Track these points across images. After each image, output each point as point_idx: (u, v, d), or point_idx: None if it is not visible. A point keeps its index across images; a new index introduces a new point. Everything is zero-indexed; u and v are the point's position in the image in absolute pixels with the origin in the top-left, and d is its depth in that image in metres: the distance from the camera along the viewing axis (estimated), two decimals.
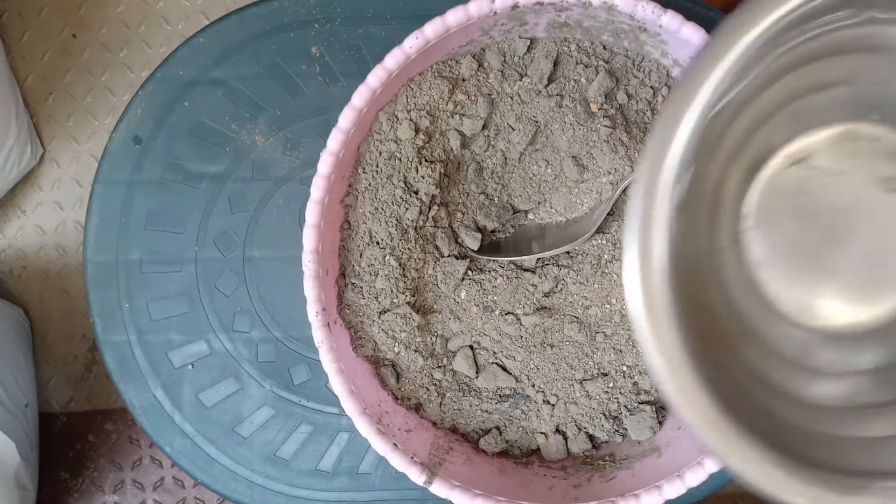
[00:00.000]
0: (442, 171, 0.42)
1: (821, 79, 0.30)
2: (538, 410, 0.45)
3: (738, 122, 0.31)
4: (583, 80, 0.42)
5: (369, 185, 0.42)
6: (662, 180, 0.25)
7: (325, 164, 0.40)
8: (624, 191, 0.42)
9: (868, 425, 0.29)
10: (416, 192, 0.42)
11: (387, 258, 0.42)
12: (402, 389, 0.44)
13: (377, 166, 0.42)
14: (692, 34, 0.38)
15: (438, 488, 0.40)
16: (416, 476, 0.40)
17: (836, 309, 0.31)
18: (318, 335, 0.40)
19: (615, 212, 0.44)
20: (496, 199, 0.45)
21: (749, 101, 0.30)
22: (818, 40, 0.28)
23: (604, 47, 0.43)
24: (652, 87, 0.43)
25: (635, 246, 0.25)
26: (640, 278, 0.25)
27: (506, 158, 0.44)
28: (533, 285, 0.44)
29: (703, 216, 0.32)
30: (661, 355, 0.25)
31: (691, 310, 0.27)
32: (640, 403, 0.44)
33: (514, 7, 0.38)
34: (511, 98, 0.43)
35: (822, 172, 0.30)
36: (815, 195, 0.30)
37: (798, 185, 0.31)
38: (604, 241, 0.44)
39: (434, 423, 0.45)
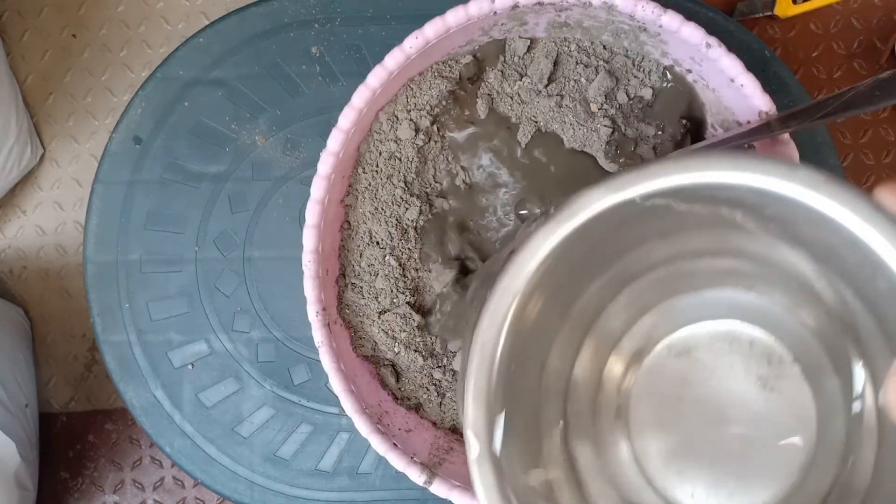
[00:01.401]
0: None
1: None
2: None
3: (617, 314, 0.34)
4: (583, 80, 0.42)
5: (369, 185, 0.42)
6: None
7: (325, 164, 0.40)
8: None
9: None
10: (418, 195, 0.42)
11: (387, 258, 0.42)
12: (402, 389, 0.44)
13: (377, 166, 0.42)
14: (692, 34, 0.38)
15: (438, 488, 0.40)
16: (416, 476, 0.40)
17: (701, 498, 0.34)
18: (318, 335, 0.40)
19: None
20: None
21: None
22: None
23: (604, 47, 0.43)
24: (652, 88, 0.43)
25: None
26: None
27: None
28: None
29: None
30: None
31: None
32: None
33: (514, 7, 0.38)
34: (511, 98, 0.43)
35: (703, 367, 0.33)
36: (697, 386, 0.33)
37: (681, 376, 0.33)
38: None
39: (434, 423, 0.45)
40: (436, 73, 0.42)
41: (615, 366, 0.35)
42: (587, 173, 0.43)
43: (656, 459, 0.34)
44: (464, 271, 0.44)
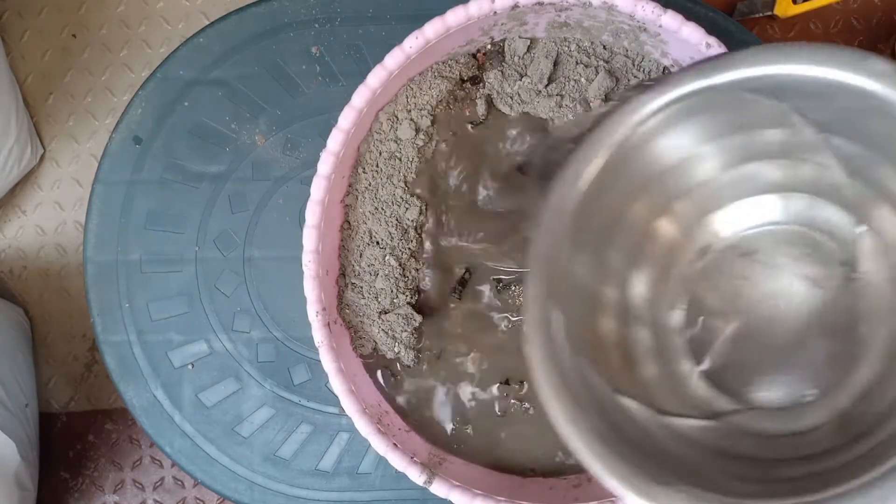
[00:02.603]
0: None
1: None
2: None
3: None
4: (583, 79, 0.42)
5: (369, 185, 0.43)
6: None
7: (325, 164, 0.40)
8: None
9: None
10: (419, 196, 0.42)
11: (387, 258, 0.42)
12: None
13: (377, 166, 0.42)
14: (692, 34, 0.38)
15: (438, 488, 0.40)
16: (416, 476, 0.40)
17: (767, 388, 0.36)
18: (318, 335, 0.40)
19: None
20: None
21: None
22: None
23: (604, 47, 0.43)
24: None
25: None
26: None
27: None
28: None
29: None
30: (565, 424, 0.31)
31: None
32: None
33: (514, 7, 0.38)
34: (511, 98, 0.43)
35: (764, 265, 0.36)
36: (755, 285, 0.36)
37: (742, 274, 0.36)
38: None
39: None
40: (436, 73, 0.42)
41: (681, 251, 0.37)
42: None
43: (710, 348, 0.36)
44: None
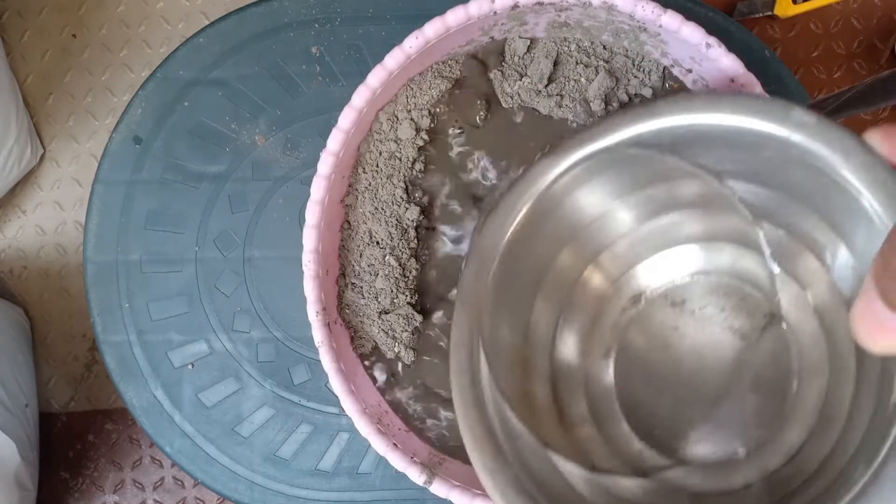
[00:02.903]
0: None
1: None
2: None
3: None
4: (583, 80, 0.42)
5: (369, 185, 0.43)
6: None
7: (325, 164, 0.40)
8: None
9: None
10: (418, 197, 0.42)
11: (387, 258, 0.42)
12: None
13: (377, 166, 0.42)
14: (692, 34, 0.38)
15: (438, 488, 0.40)
16: (416, 476, 0.40)
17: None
18: (318, 335, 0.40)
19: None
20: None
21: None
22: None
23: (604, 47, 0.43)
24: (652, 87, 0.43)
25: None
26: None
27: None
28: None
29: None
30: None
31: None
32: None
33: (514, 7, 0.38)
34: (511, 98, 0.43)
35: (693, 315, 0.35)
36: (684, 335, 0.35)
37: (672, 323, 0.36)
38: None
39: None
40: (436, 73, 0.42)
41: (610, 301, 0.36)
42: None
43: (637, 401, 0.35)
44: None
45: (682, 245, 0.35)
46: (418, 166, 0.43)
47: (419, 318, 0.42)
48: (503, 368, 0.33)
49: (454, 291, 0.43)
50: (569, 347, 0.36)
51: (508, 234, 0.33)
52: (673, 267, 0.36)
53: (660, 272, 0.36)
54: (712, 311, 0.35)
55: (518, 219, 0.33)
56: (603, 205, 0.34)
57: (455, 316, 0.33)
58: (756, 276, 0.33)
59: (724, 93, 0.31)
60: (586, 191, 0.33)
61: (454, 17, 0.38)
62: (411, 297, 0.43)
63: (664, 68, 0.43)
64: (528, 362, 0.35)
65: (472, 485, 0.40)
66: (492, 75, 0.43)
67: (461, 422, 0.32)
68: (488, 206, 0.38)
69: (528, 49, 0.42)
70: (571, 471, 0.32)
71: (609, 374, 0.36)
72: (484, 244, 0.33)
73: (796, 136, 0.27)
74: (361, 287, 0.43)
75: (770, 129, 0.28)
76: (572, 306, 0.36)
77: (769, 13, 0.70)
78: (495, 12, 0.38)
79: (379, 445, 0.40)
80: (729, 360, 0.34)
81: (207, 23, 0.56)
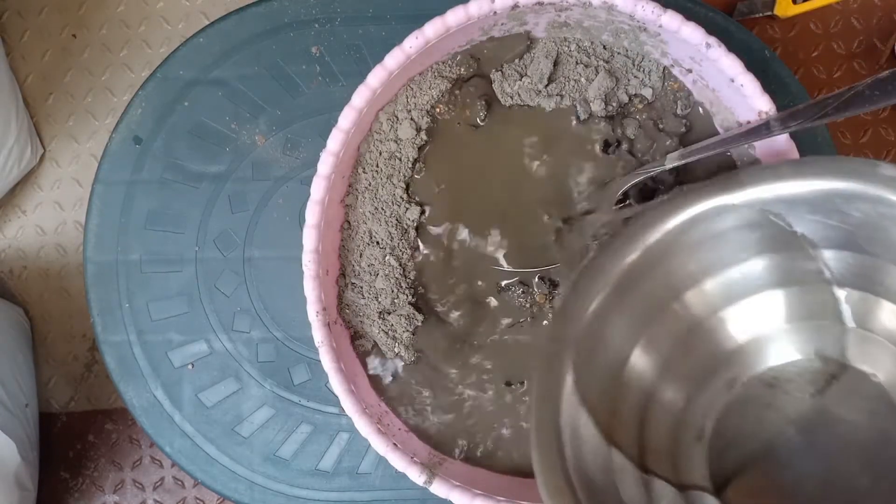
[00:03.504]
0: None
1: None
2: None
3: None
4: (583, 80, 0.42)
5: (369, 185, 0.43)
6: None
7: (325, 164, 0.40)
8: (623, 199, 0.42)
9: None
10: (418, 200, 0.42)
11: (387, 258, 0.42)
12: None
13: (377, 166, 0.42)
14: (692, 34, 0.38)
15: (438, 488, 0.40)
16: (416, 476, 0.40)
17: None
18: (318, 335, 0.40)
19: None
20: None
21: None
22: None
23: (604, 47, 0.43)
24: (652, 88, 0.43)
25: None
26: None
27: None
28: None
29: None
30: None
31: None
32: None
33: (514, 7, 0.38)
34: (511, 98, 0.43)
35: (786, 394, 0.35)
36: (778, 414, 0.35)
37: (766, 402, 0.36)
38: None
39: None
40: (436, 73, 0.42)
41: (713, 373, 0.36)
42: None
43: (734, 485, 0.35)
44: None
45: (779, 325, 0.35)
46: (418, 166, 0.43)
47: (420, 317, 0.42)
48: (597, 365, 0.33)
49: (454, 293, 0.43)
50: (669, 398, 0.36)
51: (628, 262, 0.34)
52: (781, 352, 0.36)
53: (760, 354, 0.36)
54: (809, 389, 0.35)
55: (635, 258, 0.34)
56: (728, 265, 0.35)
57: (554, 319, 0.33)
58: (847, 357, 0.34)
59: (806, 159, 0.31)
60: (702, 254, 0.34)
61: (454, 17, 0.38)
62: (411, 297, 0.43)
63: (664, 68, 0.43)
64: (625, 372, 0.35)
65: (472, 485, 0.40)
66: (492, 75, 0.43)
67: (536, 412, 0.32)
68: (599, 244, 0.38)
69: (528, 49, 0.42)
70: (626, 468, 0.32)
71: (703, 437, 0.36)
72: (600, 264, 0.34)
73: (886, 192, 0.27)
74: (361, 287, 0.43)
75: (858, 188, 0.28)
76: (677, 364, 0.36)
77: (769, 13, 0.70)
78: (495, 12, 0.38)
79: (379, 445, 0.40)
80: (827, 439, 0.34)
81: (207, 23, 0.56)
